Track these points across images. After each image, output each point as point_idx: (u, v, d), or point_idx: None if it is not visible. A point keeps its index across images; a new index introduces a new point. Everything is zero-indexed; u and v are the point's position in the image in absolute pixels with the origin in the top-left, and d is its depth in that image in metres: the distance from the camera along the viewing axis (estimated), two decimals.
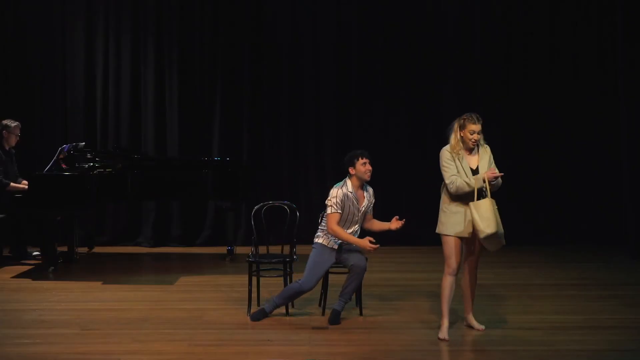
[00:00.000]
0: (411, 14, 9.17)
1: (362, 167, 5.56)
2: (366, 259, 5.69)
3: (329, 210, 5.56)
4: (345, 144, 8.73)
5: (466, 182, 5.13)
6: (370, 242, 5.44)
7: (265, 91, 9.29)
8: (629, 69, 8.25)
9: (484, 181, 5.11)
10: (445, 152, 5.23)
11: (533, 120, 9.14)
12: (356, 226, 5.65)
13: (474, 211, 5.07)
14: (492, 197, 5.15)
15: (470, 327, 5.44)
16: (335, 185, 5.64)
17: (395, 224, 5.55)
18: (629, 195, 8.33)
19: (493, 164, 5.32)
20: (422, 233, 9.12)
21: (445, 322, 5.25)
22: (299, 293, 5.62)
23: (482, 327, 5.42)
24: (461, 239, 5.22)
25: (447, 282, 5.25)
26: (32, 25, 9.25)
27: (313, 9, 9.20)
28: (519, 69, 9.16)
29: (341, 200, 5.53)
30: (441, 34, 9.16)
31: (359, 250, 5.66)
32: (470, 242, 5.28)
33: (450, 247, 5.21)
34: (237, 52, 9.23)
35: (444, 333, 5.21)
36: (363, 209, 5.64)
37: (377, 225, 5.73)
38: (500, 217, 5.15)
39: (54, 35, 9.28)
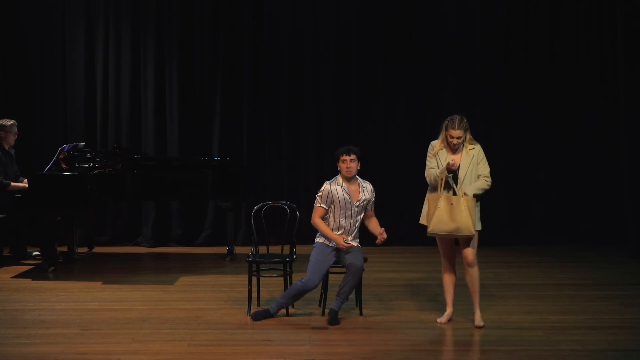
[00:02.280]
0: (411, 13, 9.15)
1: (342, 164, 5.66)
2: (365, 259, 5.69)
3: (315, 203, 5.69)
4: (345, 143, 8.67)
5: (437, 175, 5.32)
6: (345, 240, 5.55)
7: (265, 91, 9.28)
8: (629, 68, 8.25)
9: (449, 172, 5.26)
10: (430, 146, 5.48)
11: (533, 120, 9.13)
12: (351, 221, 5.67)
13: (430, 205, 5.30)
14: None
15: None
16: (327, 181, 5.75)
17: (379, 237, 5.63)
18: (629, 195, 8.32)
19: (482, 163, 5.38)
20: (420, 233, 9.14)
21: (447, 310, 5.59)
22: (303, 291, 5.61)
23: (481, 324, 5.45)
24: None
25: (443, 273, 5.63)
26: (32, 25, 9.24)
27: (313, 9, 9.19)
28: (519, 69, 9.14)
29: (327, 196, 5.64)
30: (441, 33, 9.14)
31: (358, 250, 5.67)
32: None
33: (438, 240, 5.51)
34: (237, 52, 9.22)
35: (441, 318, 5.58)
36: (358, 203, 5.65)
37: (373, 226, 5.77)
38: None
39: (54, 35, 9.27)
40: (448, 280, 5.60)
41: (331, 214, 5.67)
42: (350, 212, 5.64)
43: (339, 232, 5.67)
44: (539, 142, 9.17)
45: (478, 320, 5.48)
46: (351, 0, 9.17)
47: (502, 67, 9.13)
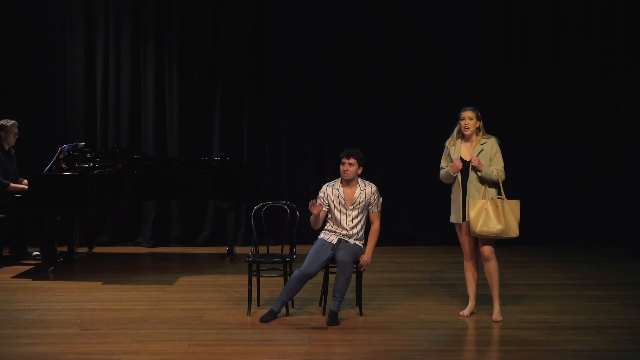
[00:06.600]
0: (411, 13, 9.15)
1: (341, 166, 5.77)
2: (357, 256, 5.68)
3: None
4: (345, 144, 8.69)
5: (446, 171, 5.63)
6: (312, 204, 5.67)
7: (265, 91, 9.28)
8: (628, 69, 8.25)
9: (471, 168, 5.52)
10: (446, 143, 5.74)
11: (532, 120, 9.13)
12: (350, 221, 5.73)
13: (469, 206, 5.47)
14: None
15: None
16: (327, 182, 5.92)
17: (361, 260, 5.73)
18: (629, 195, 8.32)
19: (495, 158, 5.58)
20: (420, 233, 9.15)
21: (469, 303, 5.74)
22: (301, 279, 5.59)
23: (499, 318, 5.56)
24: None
25: (465, 267, 5.76)
26: (32, 25, 9.24)
27: (313, 9, 9.19)
28: (519, 69, 9.14)
29: (322, 196, 5.81)
30: (441, 33, 9.14)
31: (351, 247, 5.70)
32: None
33: (458, 234, 5.68)
34: (237, 52, 9.22)
35: (464, 311, 5.73)
36: (354, 206, 5.72)
37: (369, 235, 5.82)
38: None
39: (54, 35, 9.27)
40: (469, 275, 5.75)
41: (331, 214, 5.78)
42: (346, 213, 5.72)
43: (338, 232, 5.74)
44: (538, 142, 9.17)
45: (496, 314, 5.59)
46: (351, 0, 9.17)
47: (502, 67, 9.13)
